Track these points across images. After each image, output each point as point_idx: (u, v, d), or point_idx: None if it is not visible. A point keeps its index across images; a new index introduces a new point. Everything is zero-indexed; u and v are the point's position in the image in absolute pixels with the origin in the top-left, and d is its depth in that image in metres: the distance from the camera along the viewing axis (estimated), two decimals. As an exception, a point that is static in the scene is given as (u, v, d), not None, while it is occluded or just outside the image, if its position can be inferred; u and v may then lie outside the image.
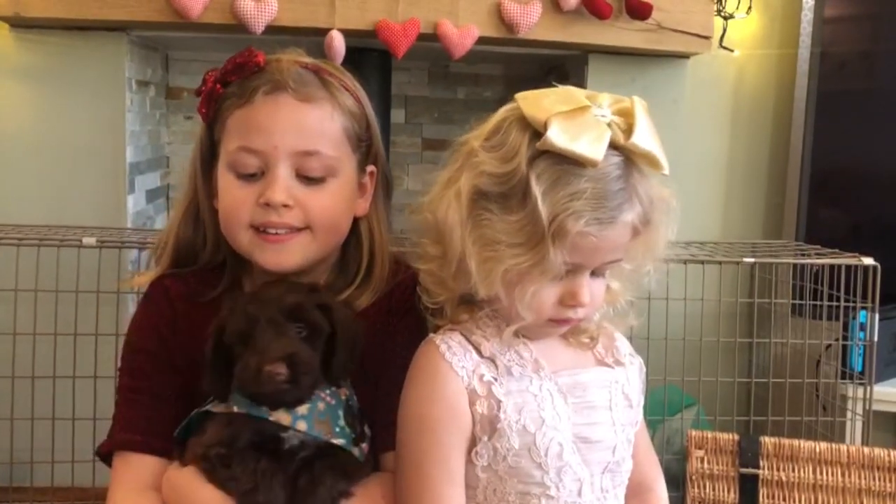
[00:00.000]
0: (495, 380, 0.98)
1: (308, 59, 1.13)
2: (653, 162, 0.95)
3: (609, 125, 0.93)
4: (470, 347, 0.99)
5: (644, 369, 1.12)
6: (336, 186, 1.10)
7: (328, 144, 1.08)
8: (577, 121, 0.92)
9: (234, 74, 1.10)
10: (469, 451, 0.98)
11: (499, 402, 0.97)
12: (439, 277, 1.00)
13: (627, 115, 0.94)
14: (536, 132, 0.93)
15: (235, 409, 1.01)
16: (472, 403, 0.97)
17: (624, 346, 1.10)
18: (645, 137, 0.94)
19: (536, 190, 0.91)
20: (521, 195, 0.92)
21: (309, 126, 1.07)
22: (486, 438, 0.97)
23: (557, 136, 0.90)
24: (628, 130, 0.93)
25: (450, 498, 0.97)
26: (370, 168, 1.16)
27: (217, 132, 1.11)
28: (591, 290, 0.98)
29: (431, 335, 1.02)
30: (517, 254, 0.93)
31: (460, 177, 0.97)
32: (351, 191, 1.13)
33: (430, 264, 1.01)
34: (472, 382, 0.97)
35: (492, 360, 0.99)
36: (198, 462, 1.01)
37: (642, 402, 1.10)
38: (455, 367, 0.97)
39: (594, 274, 0.98)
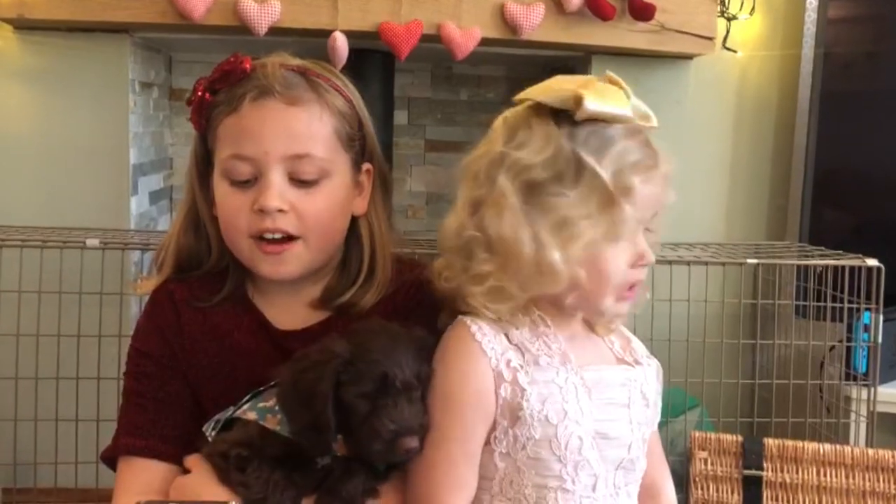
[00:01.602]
0: (521, 367, 0.98)
1: (295, 62, 1.13)
2: (648, 118, 1.00)
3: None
4: (500, 332, 1.00)
5: (661, 372, 1.12)
6: (330, 188, 1.10)
7: (319, 146, 1.08)
8: (597, 88, 0.98)
9: (222, 82, 1.10)
10: (489, 435, 0.99)
11: (523, 390, 0.97)
12: (500, 288, 0.99)
13: (615, 83, 1.01)
14: (557, 113, 0.97)
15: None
16: (496, 386, 0.98)
17: (640, 346, 1.12)
18: (636, 99, 1.00)
19: (589, 158, 0.95)
20: (574, 169, 0.96)
21: (298, 129, 1.07)
22: (506, 424, 0.98)
23: (593, 102, 0.95)
24: (627, 95, 1.00)
25: (465, 477, 0.99)
26: (366, 166, 1.16)
27: (210, 141, 1.11)
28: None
29: (461, 317, 1.01)
30: (593, 223, 0.95)
31: (493, 186, 0.98)
32: (346, 191, 1.13)
33: (489, 281, 0.99)
34: (500, 365, 0.98)
35: (519, 348, 1.00)
36: (213, 458, 1.00)
37: (660, 404, 1.11)
38: (485, 347, 0.98)
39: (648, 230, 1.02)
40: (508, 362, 0.98)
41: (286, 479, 0.96)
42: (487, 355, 0.98)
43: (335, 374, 0.94)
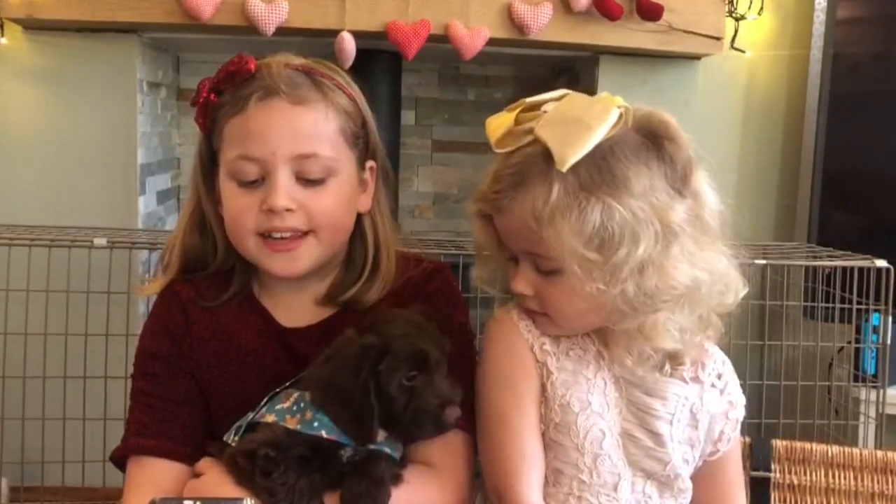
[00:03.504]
0: (553, 354, 1.02)
1: (299, 61, 1.12)
2: (550, 154, 0.94)
3: (539, 117, 0.97)
4: None
5: (739, 402, 1.08)
6: (337, 186, 1.10)
7: (325, 145, 1.08)
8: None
9: (227, 83, 1.09)
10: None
11: (549, 372, 1.01)
12: None
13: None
14: None
15: (324, 433, 0.97)
16: (534, 364, 1.02)
17: (714, 366, 1.07)
18: (546, 126, 0.96)
19: None
20: None
21: (304, 129, 1.07)
22: (541, 401, 1.01)
23: None
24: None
25: (531, 447, 1.00)
26: (370, 163, 1.17)
27: (215, 141, 1.11)
28: (540, 288, 0.99)
29: (507, 304, 1.06)
30: None
31: None
32: (352, 189, 1.13)
33: None
34: (535, 347, 1.02)
35: (556, 338, 1.03)
36: (238, 459, 0.98)
37: (723, 433, 1.07)
38: (522, 330, 1.03)
39: (542, 272, 0.98)
40: (542, 345, 1.02)
41: (311, 487, 0.96)
42: (524, 336, 1.02)
43: (374, 364, 0.96)
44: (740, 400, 1.08)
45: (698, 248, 0.97)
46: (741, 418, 1.08)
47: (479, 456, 1.04)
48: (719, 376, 1.07)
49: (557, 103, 0.98)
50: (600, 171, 0.94)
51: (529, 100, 1.00)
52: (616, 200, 0.93)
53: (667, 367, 1.03)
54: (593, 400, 1.00)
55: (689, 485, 1.05)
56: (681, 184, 0.97)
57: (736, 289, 1.01)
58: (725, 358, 1.09)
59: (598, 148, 0.93)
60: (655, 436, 1.01)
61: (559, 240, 0.93)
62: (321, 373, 0.99)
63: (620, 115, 0.95)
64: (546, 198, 0.94)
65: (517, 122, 0.99)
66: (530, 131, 0.97)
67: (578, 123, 0.94)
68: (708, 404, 1.05)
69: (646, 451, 1.01)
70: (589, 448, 0.99)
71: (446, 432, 1.00)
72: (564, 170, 0.92)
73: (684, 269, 0.95)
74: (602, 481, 0.99)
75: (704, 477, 1.07)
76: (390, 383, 0.96)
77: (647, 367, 1.00)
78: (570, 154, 0.92)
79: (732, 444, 1.08)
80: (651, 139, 0.97)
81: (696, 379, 1.05)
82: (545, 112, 0.97)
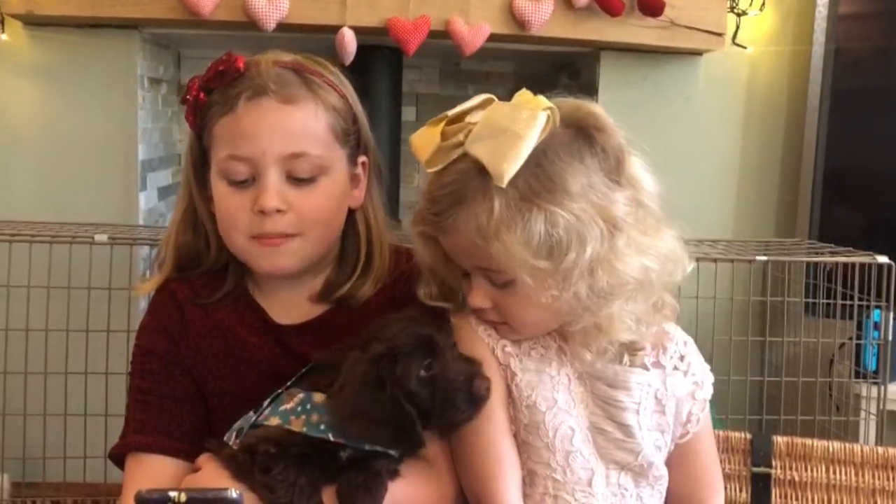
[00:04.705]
0: (516, 355, 1.02)
1: (288, 58, 1.12)
2: (484, 169, 0.93)
3: (465, 129, 0.96)
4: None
5: (705, 381, 1.07)
6: (328, 184, 1.10)
7: (315, 144, 1.08)
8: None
9: (216, 82, 1.09)
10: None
11: (514, 374, 1.01)
12: None
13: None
14: None
15: (331, 436, 0.96)
16: (498, 367, 1.02)
17: (676, 348, 1.07)
18: (476, 141, 0.95)
19: None
20: None
21: (294, 128, 1.07)
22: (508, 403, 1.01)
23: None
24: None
25: (505, 450, 1.00)
26: (362, 159, 1.17)
27: (206, 140, 1.11)
28: (496, 300, 0.99)
29: (464, 311, 1.05)
30: None
31: None
32: (343, 186, 1.13)
33: None
34: (496, 349, 1.02)
35: (515, 340, 1.03)
36: (238, 455, 0.98)
37: (692, 414, 1.07)
38: (481, 334, 1.03)
39: (496, 285, 0.98)
40: (504, 347, 1.02)
41: (311, 485, 0.96)
42: (485, 341, 1.02)
43: (392, 373, 0.95)
44: (706, 379, 1.08)
45: (643, 235, 0.97)
46: (709, 397, 1.08)
47: (455, 466, 1.03)
48: (682, 358, 1.07)
49: (483, 114, 0.97)
50: (538, 178, 0.93)
51: (452, 112, 0.98)
52: (557, 206, 0.92)
53: (625, 357, 1.03)
54: (559, 397, 1.00)
55: (663, 471, 1.05)
56: (616, 173, 0.97)
57: (683, 265, 1.01)
58: (688, 338, 1.09)
59: (531, 154, 0.93)
60: (624, 427, 1.01)
61: (508, 253, 0.93)
62: (343, 405, 0.96)
63: (548, 118, 0.94)
64: (489, 214, 0.93)
65: (444, 136, 0.97)
66: (459, 144, 0.96)
67: (508, 134, 0.93)
68: (672, 388, 1.05)
69: (616, 443, 1.01)
70: (559, 446, 0.99)
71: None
72: (503, 185, 0.92)
73: (632, 261, 0.95)
74: (576, 478, 0.99)
75: (678, 460, 1.07)
76: (409, 382, 0.95)
77: (605, 360, 1.00)
78: (506, 168, 0.92)
79: (703, 425, 1.08)
80: (581, 132, 0.97)
81: (657, 364, 1.05)
82: (471, 123, 0.96)
